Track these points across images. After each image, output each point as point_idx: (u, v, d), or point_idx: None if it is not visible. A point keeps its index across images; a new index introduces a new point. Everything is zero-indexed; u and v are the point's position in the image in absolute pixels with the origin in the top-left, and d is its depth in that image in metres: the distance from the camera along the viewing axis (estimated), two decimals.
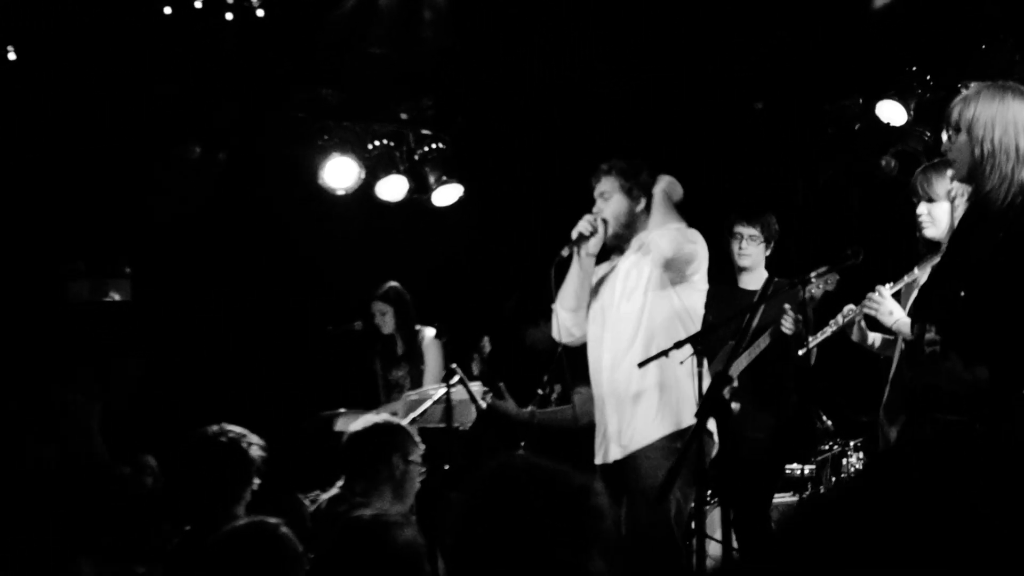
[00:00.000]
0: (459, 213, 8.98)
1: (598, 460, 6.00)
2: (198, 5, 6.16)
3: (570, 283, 6.20)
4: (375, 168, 8.78)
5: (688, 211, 7.30)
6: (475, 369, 7.83)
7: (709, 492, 7.52)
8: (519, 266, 7.94)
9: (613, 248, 6.20)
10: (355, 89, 8.55)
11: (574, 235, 6.07)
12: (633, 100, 8.40)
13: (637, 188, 6.14)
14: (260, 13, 6.39)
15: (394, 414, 7.57)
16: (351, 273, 8.86)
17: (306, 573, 3.47)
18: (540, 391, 7.46)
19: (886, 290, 5.31)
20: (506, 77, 8.35)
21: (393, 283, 8.24)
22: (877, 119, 7.87)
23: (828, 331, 6.01)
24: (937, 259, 4.88)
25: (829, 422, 7.76)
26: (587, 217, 6.10)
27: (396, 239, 9.18)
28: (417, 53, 8.06)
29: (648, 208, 6.15)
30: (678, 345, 5.33)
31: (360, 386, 8.33)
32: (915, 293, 5.17)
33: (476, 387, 7.33)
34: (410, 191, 8.90)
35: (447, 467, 6.91)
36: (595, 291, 6.23)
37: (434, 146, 8.96)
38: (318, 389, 8.51)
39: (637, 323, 6.00)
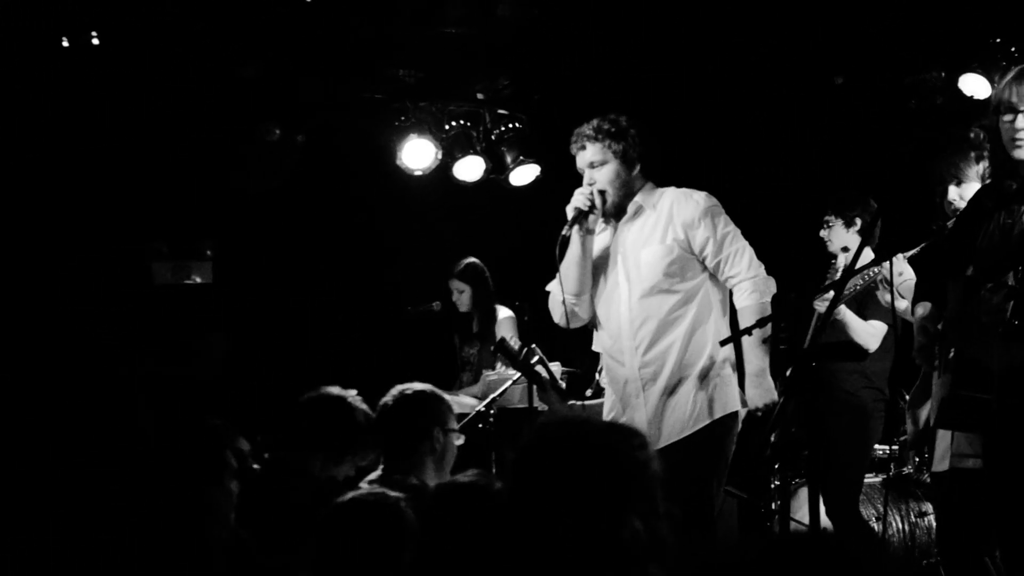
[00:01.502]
0: (536, 193, 8.96)
1: None
2: None
3: (571, 266, 5.68)
4: (452, 149, 8.78)
5: (766, 188, 7.26)
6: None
7: (795, 474, 7.51)
8: None
9: (609, 217, 5.67)
10: (432, 69, 8.55)
11: (570, 213, 5.58)
12: (712, 76, 8.33)
13: (631, 149, 5.58)
14: None
15: (474, 396, 7.61)
16: (429, 254, 8.90)
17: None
18: (598, 374, 7.34)
19: (901, 255, 5.27)
20: (583, 55, 8.31)
21: (471, 259, 8.26)
22: (960, 92, 7.74)
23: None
24: None
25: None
26: (581, 191, 5.60)
27: (474, 219, 9.19)
28: (493, 32, 8.05)
29: (643, 169, 5.65)
30: (760, 323, 5.10)
31: (438, 366, 8.35)
32: None
33: (556, 367, 7.30)
34: (487, 171, 8.89)
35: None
36: (597, 266, 5.72)
37: (511, 126, 8.94)
38: (396, 370, 8.53)
39: (658, 272, 5.51)
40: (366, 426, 5.04)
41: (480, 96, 8.95)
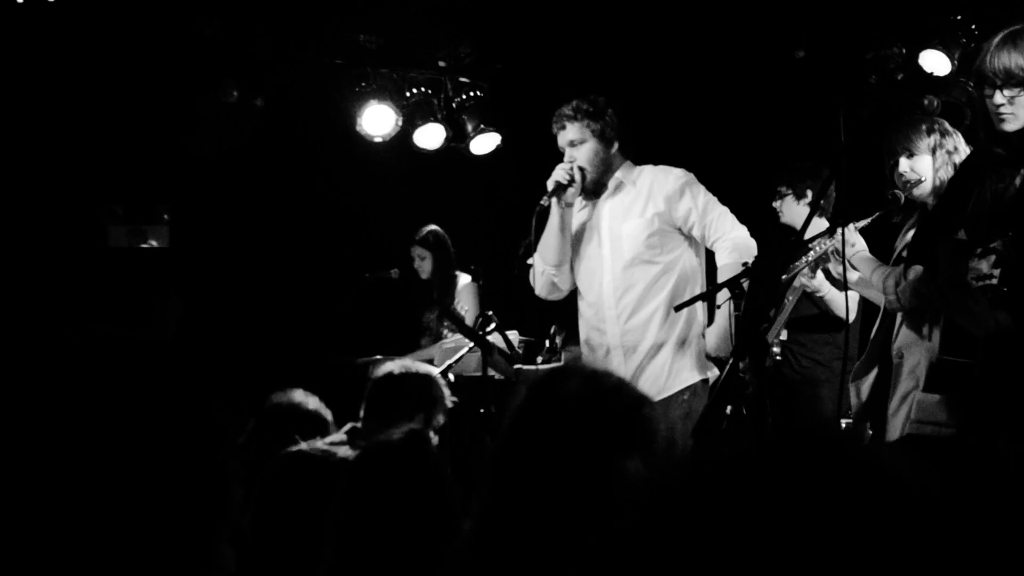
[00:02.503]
0: (496, 161, 8.94)
1: None
2: None
3: (551, 237, 5.93)
4: (413, 116, 8.75)
5: (730, 162, 7.27)
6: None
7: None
8: None
9: (590, 194, 5.94)
10: (393, 35, 8.51)
11: (550, 185, 5.80)
12: (674, 49, 8.34)
13: (608, 128, 5.85)
14: None
15: (429, 361, 7.59)
16: (388, 221, 8.87)
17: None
18: (548, 342, 7.37)
19: (853, 225, 5.31)
20: (545, 24, 8.29)
21: (432, 227, 8.25)
22: (920, 69, 7.78)
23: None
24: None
25: None
26: (562, 166, 5.84)
27: (433, 187, 9.17)
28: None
29: (621, 147, 5.91)
30: (716, 288, 5.23)
31: (396, 333, 8.35)
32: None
33: (513, 335, 7.30)
34: (448, 139, 8.86)
35: (481, 411, 6.86)
36: (579, 239, 5.98)
37: (472, 94, 8.91)
38: (355, 336, 8.53)
39: (640, 243, 5.77)
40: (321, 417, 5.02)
41: (442, 64, 8.90)
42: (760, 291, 6.20)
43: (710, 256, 5.96)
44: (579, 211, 5.99)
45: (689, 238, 5.85)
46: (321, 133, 8.94)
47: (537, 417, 2.41)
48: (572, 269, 6.00)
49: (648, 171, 5.91)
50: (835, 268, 5.56)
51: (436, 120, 8.78)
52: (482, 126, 8.80)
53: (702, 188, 5.84)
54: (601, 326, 5.85)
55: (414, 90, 8.76)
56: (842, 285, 6.50)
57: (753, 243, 5.79)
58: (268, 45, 8.19)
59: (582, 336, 6.06)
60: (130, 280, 8.63)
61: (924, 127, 5.15)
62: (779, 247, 6.98)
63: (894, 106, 5.77)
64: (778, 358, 7.03)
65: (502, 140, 8.86)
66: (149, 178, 8.85)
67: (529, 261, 6.08)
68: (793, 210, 7.05)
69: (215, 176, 8.96)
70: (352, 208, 9.17)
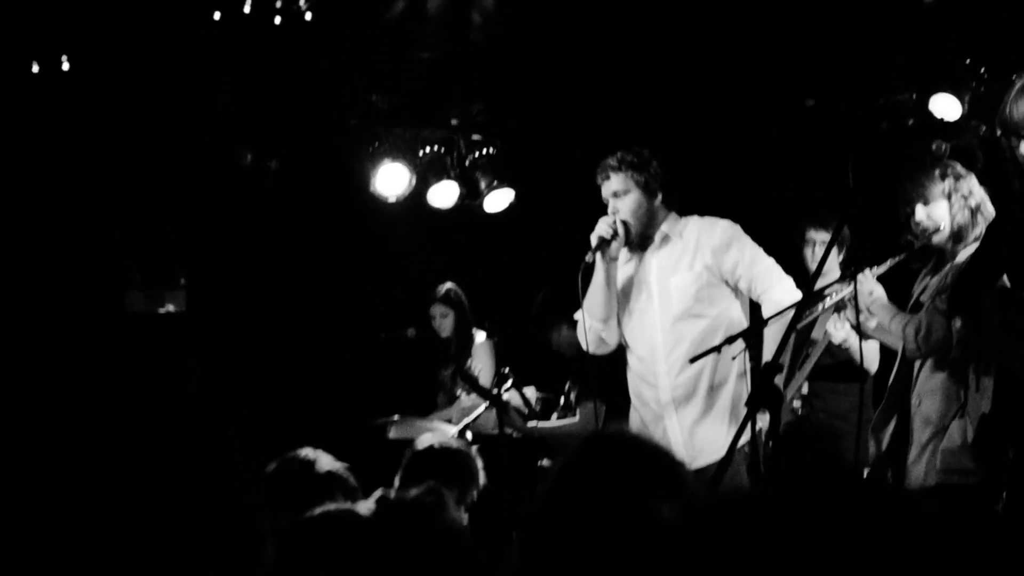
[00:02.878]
0: (511, 218, 8.96)
1: None
2: (247, 10, 6.18)
3: (596, 292, 5.91)
4: (426, 174, 8.78)
5: (747, 213, 7.26)
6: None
7: None
8: (570, 269, 7.89)
9: (635, 246, 5.93)
10: (405, 95, 8.56)
11: (594, 240, 5.77)
12: (683, 99, 8.36)
13: (652, 180, 5.83)
14: (308, 17, 6.39)
15: (448, 420, 7.57)
16: (404, 280, 8.88)
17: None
18: (563, 398, 7.33)
19: (870, 272, 5.30)
20: (556, 80, 8.32)
21: (451, 284, 8.24)
22: (931, 114, 7.77)
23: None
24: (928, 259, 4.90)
25: None
26: (605, 219, 5.82)
27: (449, 245, 9.18)
28: (467, 57, 8.06)
29: (665, 199, 5.89)
30: (730, 340, 5.17)
31: (413, 392, 8.33)
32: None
33: (530, 392, 7.29)
34: (461, 196, 8.89)
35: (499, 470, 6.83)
36: (626, 293, 5.95)
37: (485, 151, 8.94)
38: (372, 396, 8.52)
39: (689, 297, 5.76)
40: (332, 476, 5.03)
41: (454, 121, 8.95)
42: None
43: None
44: (624, 264, 5.97)
45: (735, 290, 5.84)
46: (336, 193, 8.98)
47: (578, 485, 2.47)
48: (619, 323, 5.97)
49: (694, 222, 5.91)
50: (852, 316, 5.54)
51: (450, 178, 8.81)
52: (495, 183, 8.82)
53: (748, 239, 5.85)
54: (652, 380, 5.83)
55: (427, 148, 8.79)
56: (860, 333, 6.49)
57: (799, 294, 5.72)
58: (284, 109, 8.25)
59: (632, 389, 6.02)
60: (149, 344, 8.64)
61: (937, 173, 5.14)
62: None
63: (904, 152, 5.77)
64: (800, 412, 6.98)
65: (516, 196, 8.87)
66: (166, 241, 8.89)
67: (576, 316, 6.04)
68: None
69: (232, 238, 8.98)
70: (368, 268, 9.18)
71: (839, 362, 6.71)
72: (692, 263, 5.77)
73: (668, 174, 5.94)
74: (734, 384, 5.69)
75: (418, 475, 4.91)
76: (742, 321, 5.84)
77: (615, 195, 5.85)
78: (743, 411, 5.49)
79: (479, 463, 5.12)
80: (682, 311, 5.74)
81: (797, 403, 6.95)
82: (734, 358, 5.50)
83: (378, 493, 5.02)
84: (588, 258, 5.80)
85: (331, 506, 4.08)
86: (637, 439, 2.66)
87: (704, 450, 5.59)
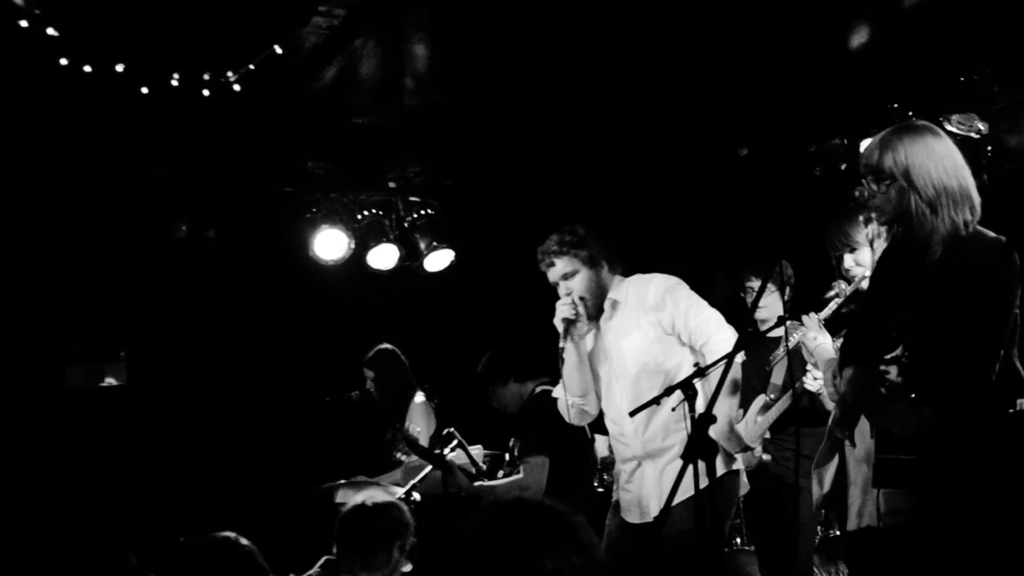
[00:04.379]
0: (452, 278, 8.97)
1: (633, 519, 5.87)
2: (174, 83, 6.17)
3: (571, 372, 5.98)
4: (365, 237, 8.78)
5: (684, 263, 7.30)
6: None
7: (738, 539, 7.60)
8: (516, 326, 7.88)
9: (591, 318, 5.97)
10: (341, 160, 8.57)
11: (560, 325, 5.85)
12: (616, 152, 8.42)
13: (596, 254, 5.91)
14: (237, 88, 6.39)
15: (395, 483, 7.52)
16: (349, 341, 8.84)
17: None
18: (507, 454, 7.32)
19: (814, 316, 5.36)
20: (492, 140, 8.35)
21: (382, 346, 8.19)
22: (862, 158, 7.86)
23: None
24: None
25: None
26: (563, 302, 5.88)
27: (390, 306, 9.17)
28: (401, 120, 8.08)
29: (611, 267, 5.96)
30: (669, 391, 5.18)
31: (359, 456, 8.28)
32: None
33: (476, 450, 7.26)
34: (401, 258, 8.89)
35: (446, 530, 6.80)
36: (592, 363, 6.04)
37: (423, 212, 8.96)
38: (318, 460, 8.46)
39: (641, 355, 5.81)
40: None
41: (391, 184, 8.97)
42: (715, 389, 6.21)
43: None
44: (587, 336, 6.05)
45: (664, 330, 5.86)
46: (276, 261, 8.96)
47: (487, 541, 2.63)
48: (598, 394, 6.05)
49: (632, 283, 5.95)
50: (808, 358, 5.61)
51: (389, 240, 8.82)
52: (435, 243, 8.84)
53: (684, 292, 5.84)
54: (624, 440, 5.90)
55: (365, 212, 8.80)
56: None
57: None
58: (220, 180, 8.24)
59: (614, 449, 6.09)
60: (90, 420, 8.57)
61: (861, 219, 5.20)
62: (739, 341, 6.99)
63: (830, 199, 5.85)
64: (764, 457, 7.01)
65: (455, 256, 8.88)
66: (106, 316, 8.83)
67: (554, 394, 6.16)
68: (773, 302, 7.03)
69: (172, 309, 8.94)
70: (312, 332, 9.15)
71: (803, 408, 6.76)
72: (638, 322, 5.82)
73: (607, 242, 5.99)
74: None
75: (356, 536, 5.00)
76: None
77: (564, 277, 5.91)
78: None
79: (407, 510, 5.15)
80: (638, 371, 5.80)
81: (759, 449, 6.98)
82: (674, 409, 5.51)
83: (322, 561, 5.05)
84: (562, 345, 5.88)
85: None
86: (537, 504, 2.75)
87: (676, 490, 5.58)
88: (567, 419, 6.12)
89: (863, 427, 4.88)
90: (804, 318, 5.43)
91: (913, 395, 3.95)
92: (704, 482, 5.49)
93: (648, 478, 5.84)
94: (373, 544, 5.00)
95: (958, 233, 4.17)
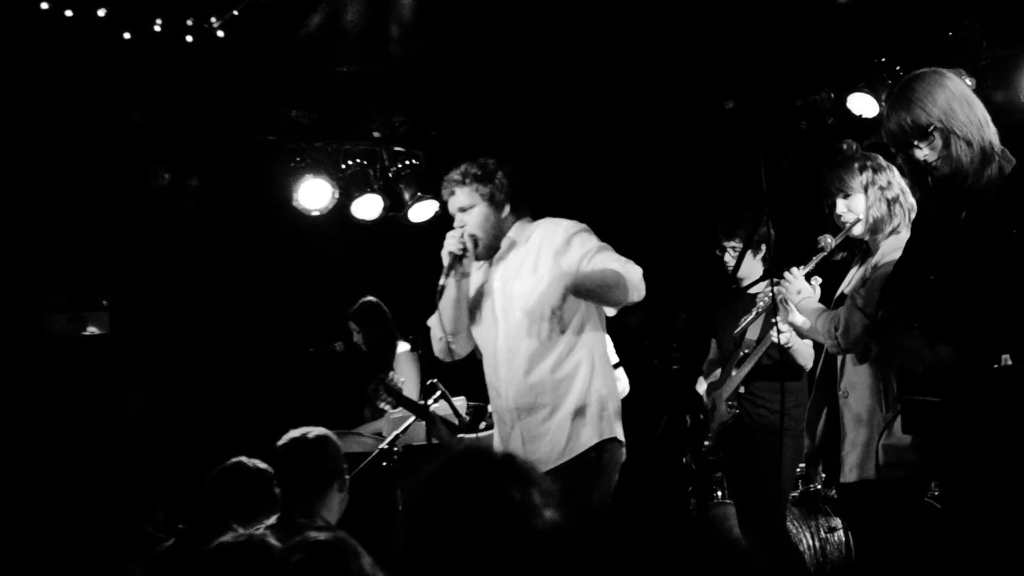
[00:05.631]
0: (436, 228, 8.93)
1: None
2: (157, 29, 6.11)
3: (447, 308, 5.64)
4: (349, 187, 8.75)
5: (664, 215, 7.30)
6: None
7: (719, 492, 7.65)
8: None
9: (482, 256, 5.65)
10: (326, 109, 8.52)
11: (446, 259, 5.55)
12: (605, 104, 8.38)
13: (498, 191, 5.57)
14: (220, 34, 6.33)
15: (378, 433, 7.54)
16: (331, 294, 8.83)
17: None
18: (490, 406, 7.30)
19: (797, 271, 5.34)
20: (477, 89, 8.31)
21: (366, 299, 8.17)
22: (849, 112, 7.85)
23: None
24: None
25: None
26: (453, 235, 5.59)
27: (374, 257, 9.15)
28: (387, 69, 8.04)
29: (514, 208, 5.63)
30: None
31: (342, 407, 8.28)
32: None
33: (459, 401, 7.26)
34: (386, 209, 8.86)
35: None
36: (475, 304, 5.70)
37: (408, 163, 8.92)
38: (302, 412, 8.45)
39: (530, 302, 5.44)
40: (267, 485, 5.07)
41: (376, 134, 8.93)
42: (692, 345, 6.23)
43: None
44: (474, 274, 5.75)
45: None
46: (259, 210, 8.91)
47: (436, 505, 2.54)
48: (470, 334, 5.76)
49: (540, 226, 5.62)
50: (784, 316, 5.57)
51: (373, 190, 8.78)
52: (419, 194, 8.80)
53: (594, 237, 5.52)
54: (498, 388, 5.58)
55: (349, 162, 8.76)
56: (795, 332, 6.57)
57: (642, 283, 5.41)
58: (200, 126, 8.18)
59: (491, 400, 5.82)
60: (72, 369, 8.54)
61: (856, 166, 5.17)
62: (714, 298, 7.02)
63: (815, 153, 5.78)
64: (736, 411, 7.02)
65: (440, 207, 8.85)
66: (87, 265, 8.79)
67: (428, 322, 5.86)
68: (746, 260, 7.04)
69: (154, 258, 8.90)
70: (295, 283, 9.12)
71: (776, 362, 6.79)
72: (535, 267, 5.50)
73: (516, 181, 5.66)
74: (579, 390, 5.40)
75: (300, 476, 4.80)
76: (597, 323, 5.57)
77: (461, 210, 5.61)
78: (591, 416, 5.38)
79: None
80: (523, 317, 5.46)
81: (732, 403, 7.01)
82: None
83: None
84: (442, 281, 5.58)
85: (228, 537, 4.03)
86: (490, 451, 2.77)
87: (545, 456, 5.32)
88: (436, 353, 5.86)
89: (857, 380, 4.90)
90: (786, 274, 5.40)
91: (916, 324, 3.91)
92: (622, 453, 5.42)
93: (514, 441, 5.50)
94: (318, 484, 4.76)
95: (1003, 173, 4.13)
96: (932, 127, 4.14)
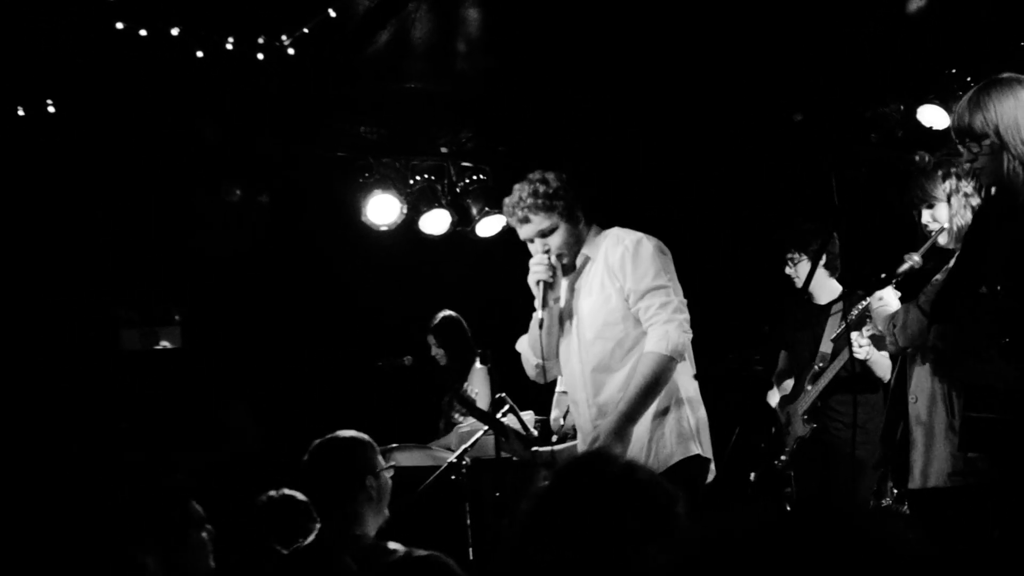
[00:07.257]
0: (503, 243, 8.96)
1: None
2: (229, 47, 6.19)
3: (544, 335, 5.49)
4: (417, 203, 8.80)
5: (733, 229, 7.25)
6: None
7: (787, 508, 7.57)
8: None
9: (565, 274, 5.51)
10: (394, 125, 8.58)
11: (534, 288, 5.41)
12: (674, 118, 8.37)
13: (573, 204, 5.35)
14: (291, 52, 6.40)
15: (447, 447, 7.57)
16: (399, 308, 8.88)
17: None
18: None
19: (891, 291, 5.30)
20: (544, 104, 8.33)
21: (445, 313, 8.24)
22: (919, 124, 7.79)
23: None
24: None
25: None
26: (539, 261, 5.39)
27: (442, 272, 9.19)
28: (454, 85, 8.08)
29: (586, 219, 5.43)
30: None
31: (413, 420, 8.32)
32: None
33: (528, 416, 7.26)
34: (453, 224, 8.90)
35: (498, 495, 6.79)
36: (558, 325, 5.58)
37: (475, 178, 8.96)
38: (370, 425, 8.48)
39: (599, 320, 5.34)
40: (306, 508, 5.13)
41: (444, 150, 8.98)
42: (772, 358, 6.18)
43: None
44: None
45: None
46: (328, 226, 8.99)
47: (569, 500, 2.41)
48: (558, 354, 5.64)
49: (606, 239, 5.44)
50: (868, 330, 5.55)
51: (440, 205, 8.83)
52: (487, 209, 8.83)
53: (650, 260, 5.30)
54: (579, 407, 5.49)
55: (417, 177, 8.81)
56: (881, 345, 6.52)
57: (685, 339, 5.24)
58: (271, 144, 8.27)
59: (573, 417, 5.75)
60: (143, 384, 8.64)
61: (940, 174, 5.13)
62: (789, 313, 6.98)
63: (888, 166, 5.73)
64: (814, 425, 6.98)
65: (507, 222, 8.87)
66: (160, 280, 8.89)
67: (517, 347, 5.78)
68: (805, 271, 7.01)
69: (226, 274, 8.99)
70: (363, 298, 9.18)
71: (851, 375, 6.76)
72: (602, 284, 5.34)
73: (577, 187, 5.42)
74: (654, 407, 5.21)
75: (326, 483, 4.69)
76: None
77: (542, 234, 5.37)
78: (670, 431, 5.25)
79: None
80: (593, 336, 5.34)
81: (808, 417, 6.97)
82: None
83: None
84: (540, 314, 5.39)
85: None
86: (630, 466, 2.50)
87: None
88: (530, 376, 5.73)
89: (923, 385, 4.86)
90: (878, 293, 5.33)
91: (1007, 340, 3.86)
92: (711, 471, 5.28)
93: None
94: (347, 493, 4.56)
95: None
96: (987, 138, 4.11)
